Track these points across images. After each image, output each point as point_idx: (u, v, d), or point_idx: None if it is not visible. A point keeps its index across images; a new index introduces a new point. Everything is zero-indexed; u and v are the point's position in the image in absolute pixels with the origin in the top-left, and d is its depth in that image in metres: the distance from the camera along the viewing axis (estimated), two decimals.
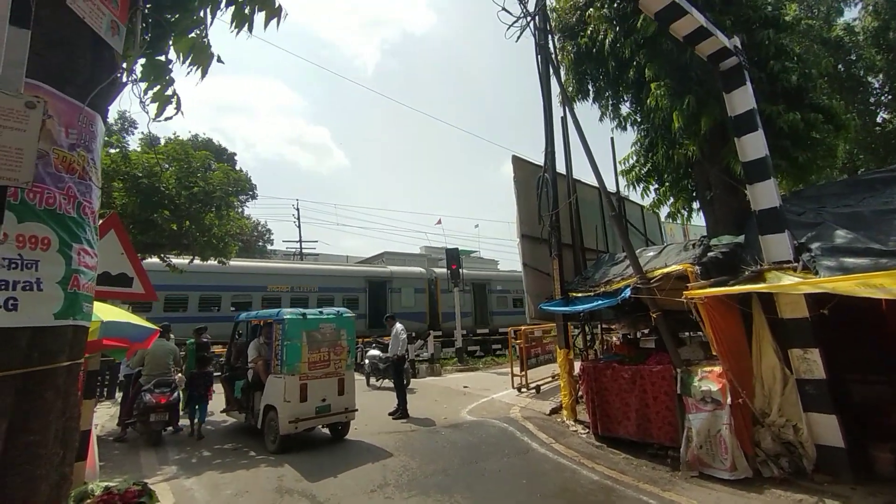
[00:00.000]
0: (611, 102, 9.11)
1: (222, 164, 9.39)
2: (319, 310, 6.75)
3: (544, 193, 8.53)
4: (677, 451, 5.15)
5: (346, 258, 34.69)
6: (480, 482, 4.82)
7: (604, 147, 8.48)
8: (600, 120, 9.60)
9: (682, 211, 9.07)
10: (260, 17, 2.89)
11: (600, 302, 6.68)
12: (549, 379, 10.50)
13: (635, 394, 5.94)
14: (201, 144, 21.38)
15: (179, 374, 7.12)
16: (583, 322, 8.43)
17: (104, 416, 8.12)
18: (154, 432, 6.27)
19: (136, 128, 19.69)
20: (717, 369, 5.02)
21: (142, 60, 2.89)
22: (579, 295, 7.30)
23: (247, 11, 2.83)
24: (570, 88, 9.28)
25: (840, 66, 12.62)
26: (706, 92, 6.62)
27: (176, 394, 6.54)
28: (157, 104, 2.87)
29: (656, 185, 9.25)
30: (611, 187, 9.15)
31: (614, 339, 11.24)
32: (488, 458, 5.57)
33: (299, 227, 31.89)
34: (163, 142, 9.58)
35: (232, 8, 2.82)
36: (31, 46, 1.63)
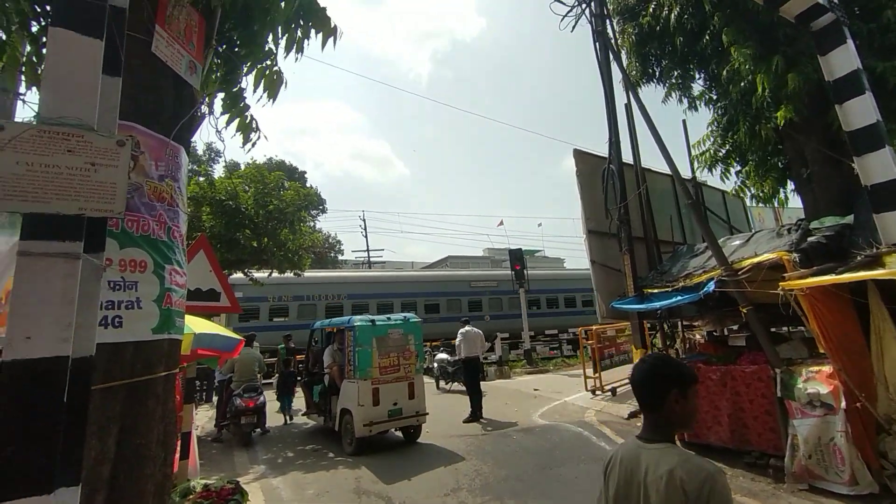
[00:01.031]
0: (679, 82, 8.46)
1: (294, 183, 10.08)
2: (387, 316, 6.95)
3: (610, 186, 8.12)
4: (780, 459, 4.59)
5: (412, 264, 35.56)
6: (556, 489, 4.64)
7: (672, 131, 7.86)
8: (663, 101, 8.95)
9: (776, 192, 8.14)
10: (316, 41, 3.04)
11: (680, 297, 6.18)
12: (626, 380, 9.92)
13: (727, 397, 5.41)
14: (275, 166, 23.10)
15: (277, 375, 7.98)
16: (660, 320, 7.85)
17: (203, 418, 8.99)
18: (245, 434, 6.84)
19: (220, 156, 21.75)
20: (827, 369, 4.41)
21: (221, 95, 3.17)
22: (655, 291, 6.82)
23: (299, 34, 2.98)
24: (633, 72, 8.76)
25: None
26: (796, 52, 5.89)
27: (262, 398, 7.08)
28: (241, 133, 3.12)
29: (738, 167, 8.42)
30: (685, 173, 8.49)
31: (697, 337, 10.36)
32: (563, 464, 5.35)
33: (366, 237, 33.29)
34: (242, 167, 10.46)
35: (286, 35, 2.99)
36: (124, 91, 1.83)
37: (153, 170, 2.40)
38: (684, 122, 10.46)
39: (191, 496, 3.37)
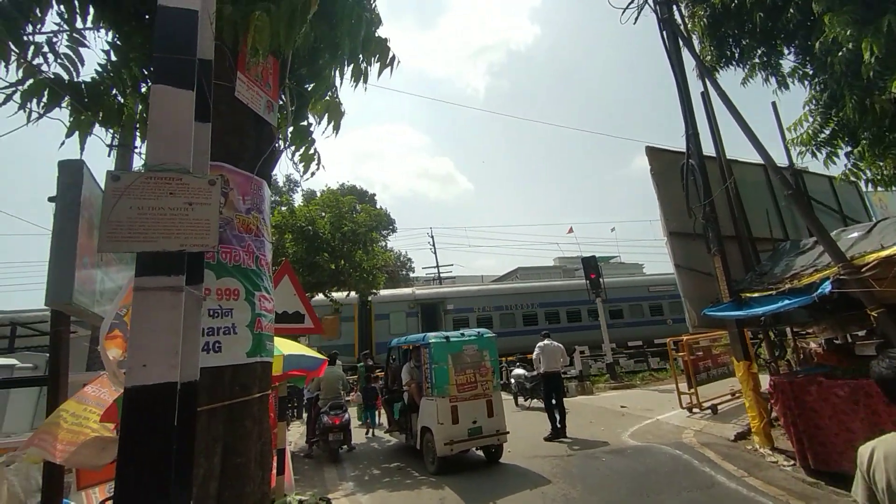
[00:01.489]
0: (765, 60, 7.64)
1: (365, 205, 10.58)
2: (461, 332, 6.91)
3: (691, 182, 7.50)
4: None
5: (482, 278, 35.44)
6: None
7: (759, 116, 7.10)
8: (743, 83, 8.13)
9: None
10: (373, 69, 3.20)
11: (787, 301, 5.46)
12: (728, 397, 8.94)
13: (861, 417, 4.63)
14: (347, 191, 24.50)
15: (354, 394, 8.36)
16: (765, 327, 6.99)
17: (295, 434, 9.51)
18: (333, 450, 7.11)
19: (298, 186, 23.50)
20: None
21: (290, 129, 3.41)
22: (755, 295, 6.11)
23: (363, 66, 3.13)
24: (708, 57, 8.10)
25: None
26: None
27: (347, 415, 7.34)
28: (304, 164, 3.34)
29: (848, 148, 7.35)
30: (780, 161, 7.60)
31: (812, 346, 9.08)
32: (662, 491, 4.87)
33: (435, 253, 33.91)
34: (318, 194, 11.21)
35: (352, 66, 3.15)
36: (212, 134, 2.00)
37: (241, 204, 2.59)
38: (774, 104, 9.48)
39: None
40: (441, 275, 34.15)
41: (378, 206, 21.32)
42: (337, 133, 3.42)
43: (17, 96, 2.49)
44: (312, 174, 3.22)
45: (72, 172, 3.80)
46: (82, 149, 2.71)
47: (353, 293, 10.77)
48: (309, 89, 3.35)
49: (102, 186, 3.91)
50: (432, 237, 34.04)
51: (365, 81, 3.66)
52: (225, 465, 2.10)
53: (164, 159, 1.63)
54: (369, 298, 12.46)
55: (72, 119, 2.62)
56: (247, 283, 2.48)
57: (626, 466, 5.71)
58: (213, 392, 2.17)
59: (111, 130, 2.98)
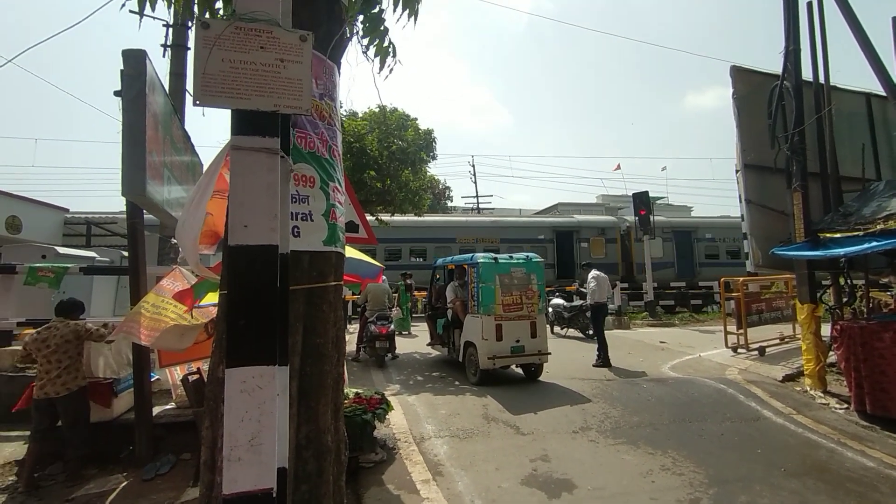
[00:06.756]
0: None
1: (413, 121, 10.20)
2: (509, 255, 6.85)
3: (780, 109, 6.69)
4: None
5: (520, 211, 34.82)
6: (698, 443, 4.27)
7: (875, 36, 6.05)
8: None
9: None
10: None
11: (876, 243, 5.03)
12: (776, 341, 8.68)
13: None
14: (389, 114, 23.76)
15: (395, 309, 8.51)
16: (843, 271, 6.52)
17: None
18: (379, 356, 7.57)
19: (341, 106, 22.96)
20: None
21: (360, 17, 3.11)
22: (837, 235, 5.62)
23: None
24: None
25: None
26: None
27: (392, 326, 7.71)
28: (380, 58, 3.07)
29: None
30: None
31: (882, 297, 8.48)
32: (705, 419, 4.90)
33: (475, 182, 33.24)
34: (360, 115, 10.88)
35: None
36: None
37: (314, 87, 2.43)
38: (894, 19, 8.04)
39: (346, 400, 3.78)
40: (480, 206, 33.76)
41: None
42: (414, 20, 3.09)
43: None
44: (391, 70, 2.96)
45: (135, 62, 3.72)
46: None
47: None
48: None
49: (164, 83, 3.79)
50: (473, 166, 33.21)
51: None
52: (305, 343, 2.18)
53: (253, 8, 1.48)
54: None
55: None
56: (321, 171, 2.41)
57: (668, 394, 5.76)
58: (292, 275, 2.19)
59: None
